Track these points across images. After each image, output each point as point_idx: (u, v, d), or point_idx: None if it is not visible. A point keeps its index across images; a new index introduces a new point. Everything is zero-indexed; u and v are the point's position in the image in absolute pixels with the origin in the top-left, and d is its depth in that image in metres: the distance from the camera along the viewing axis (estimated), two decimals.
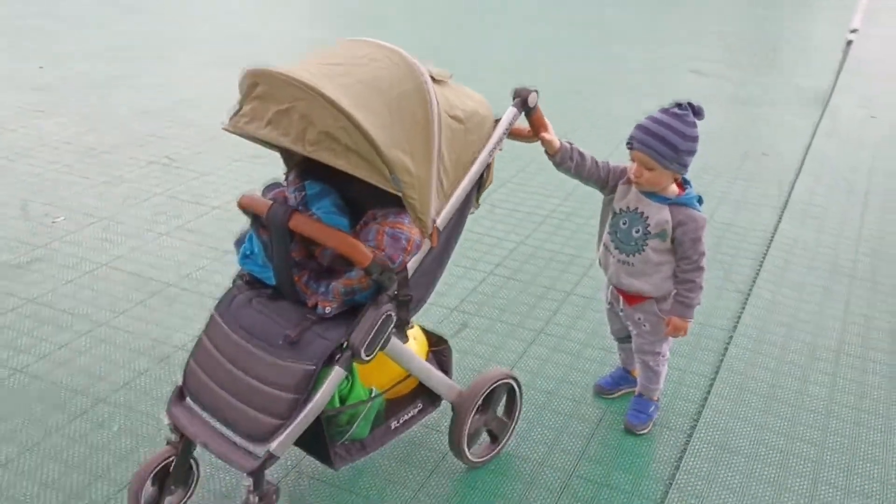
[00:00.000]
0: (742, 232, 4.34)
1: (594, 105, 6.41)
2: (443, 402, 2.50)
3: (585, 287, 3.76)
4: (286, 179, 2.35)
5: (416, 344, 2.42)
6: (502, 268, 3.94)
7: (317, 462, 2.57)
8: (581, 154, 2.52)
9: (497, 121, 2.31)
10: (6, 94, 6.39)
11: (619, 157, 2.66)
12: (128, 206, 4.49)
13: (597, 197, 2.72)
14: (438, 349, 2.53)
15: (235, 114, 2.08)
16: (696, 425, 2.87)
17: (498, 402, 2.64)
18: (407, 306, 2.17)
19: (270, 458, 2.05)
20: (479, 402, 2.50)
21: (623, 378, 3.03)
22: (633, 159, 2.47)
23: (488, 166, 2.30)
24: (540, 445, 2.76)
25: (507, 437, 2.71)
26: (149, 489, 2.29)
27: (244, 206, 2.19)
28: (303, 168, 2.32)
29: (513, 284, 3.80)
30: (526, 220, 4.43)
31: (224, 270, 3.74)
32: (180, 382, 2.28)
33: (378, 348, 2.13)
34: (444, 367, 2.51)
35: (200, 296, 3.59)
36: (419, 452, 2.69)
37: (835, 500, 2.56)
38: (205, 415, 2.21)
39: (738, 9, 10.91)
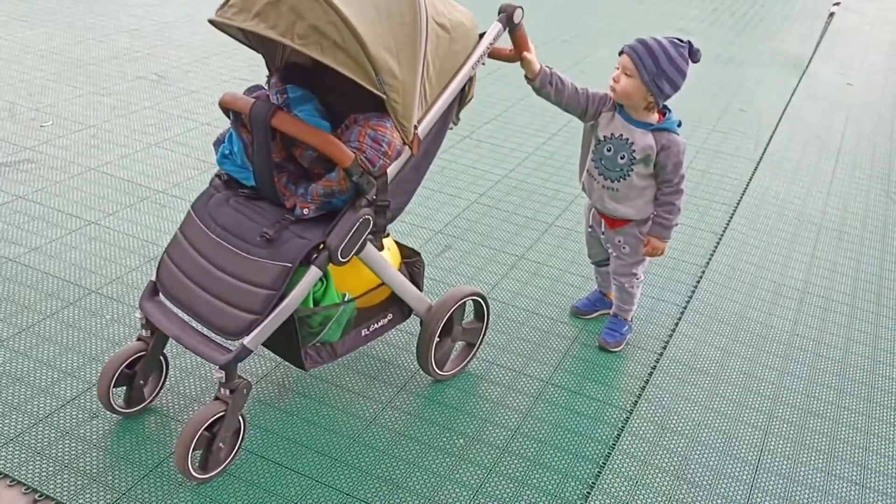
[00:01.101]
0: (717, 180, 4.48)
1: (581, 52, 6.49)
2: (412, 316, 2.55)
3: (566, 220, 3.88)
4: (268, 83, 2.34)
5: (389, 254, 2.45)
6: (486, 198, 4.04)
7: (288, 371, 2.66)
8: (561, 79, 2.58)
9: (482, 35, 2.33)
10: None
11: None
12: (116, 117, 4.49)
13: (580, 137, 2.80)
14: (411, 261, 2.55)
15: (224, 5, 2.05)
16: (665, 346, 3.02)
17: (460, 320, 2.66)
18: (384, 212, 2.20)
19: (243, 351, 2.07)
20: (447, 317, 2.54)
21: (599, 301, 3.17)
22: (617, 67, 2.55)
23: (470, 80, 2.32)
24: (518, 357, 2.89)
25: (477, 348, 2.78)
26: (118, 383, 2.31)
27: (226, 104, 2.17)
28: (285, 73, 2.32)
29: (496, 213, 3.90)
30: (510, 156, 4.52)
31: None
32: (154, 278, 2.29)
33: (354, 252, 2.16)
34: (416, 279, 2.54)
35: (189, 203, 3.60)
36: (389, 370, 2.75)
37: (792, 418, 2.73)
38: (178, 310, 2.22)
39: None
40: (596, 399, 2.72)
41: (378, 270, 2.34)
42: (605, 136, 2.65)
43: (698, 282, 3.47)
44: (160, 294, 2.27)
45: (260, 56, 2.35)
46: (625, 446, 2.53)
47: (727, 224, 4.00)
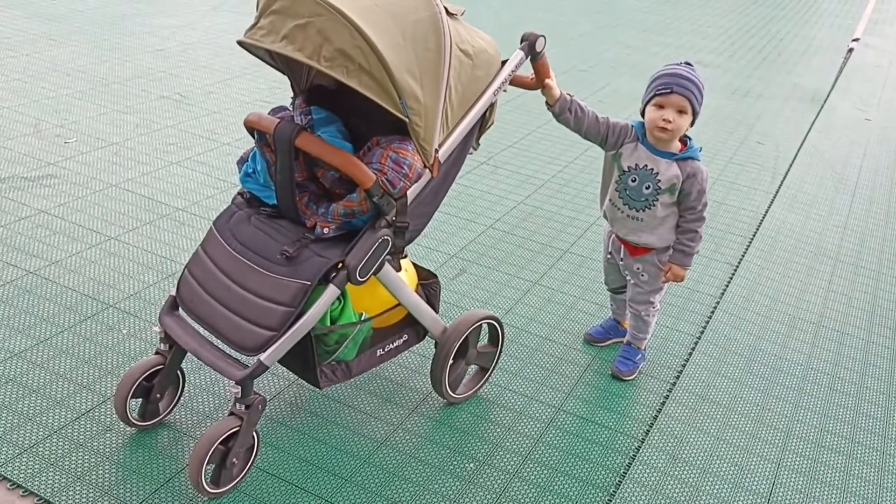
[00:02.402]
0: (734, 211, 4.48)
1: (598, 82, 6.54)
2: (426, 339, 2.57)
3: (581, 247, 3.89)
4: (293, 104, 2.38)
5: (406, 276, 2.45)
6: (502, 223, 4.06)
7: (301, 390, 2.68)
8: (581, 107, 2.61)
9: (504, 62, 2.37)
10: (20, 22, 6.42)
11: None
12: (138, 135, 4.56)
13: (596, 165, 2.82)
14: (427, 283, 2.56)
15: (252, 27, 2.09)
16: (679, 376, 3.02)
17: (475, 343, 2.68)
18: (403, 234, 2.22)
19: (260, 367, 2.08)
20: (462, 339, 2.56)
21: (613, 329, 3.17)
22: (661, 106, 2.55)
23: (492, 106, 2.36)
24: (531, 382, 2.89)
25: (490, 372, 2.79)
26: (134, 397, 2.33)
27: (251, 124, 2.21)
28: (309, 95, 2.37)
29: (511, 239, 3.91)
30: (526, 183, 4.54)
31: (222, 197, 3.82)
32: (174, 293, 2.31)
33: (372, 271, 2.18)
34: (432, 301, 2.55)
35: (208, 222, 3.68)
36: (401, 392, 2.77)
37: (805, 451, 2.71)
38: (196, 325, 2.24)
39: (744, 6, 11.04)
40: (608, 427, 2.71)
41: (395, 291, 2.35)
42: (629, 167, 2.66)
43: (713, 312, 3.46)
44: (180, 308, 2.30)
45: (282, 79, 2.40)
46: (636, 475, 2.52)
47: (742, 255, 3.99)
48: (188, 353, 2.27)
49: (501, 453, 2.54)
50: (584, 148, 4.96)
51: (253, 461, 2.28)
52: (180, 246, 3.48)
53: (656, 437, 2.69)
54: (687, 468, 2.57)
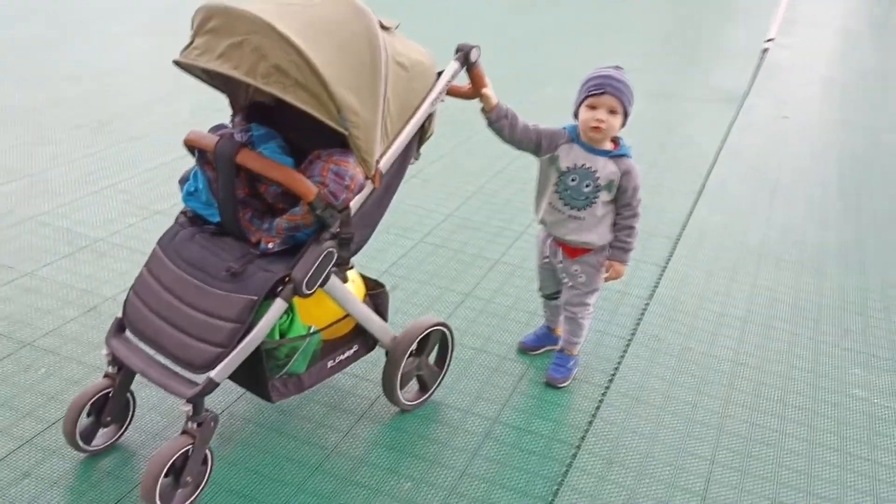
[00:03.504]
0: (659, 213, 4.55)
1: (528, 91, 6.60)
2: (376, 347, 2.60)
3: (512, 256, 3.90)
4: (232, 122, 2.39)
5: (353, 286, 2.48)
6: (432, 236, 4.05)
7: (249, 403, 2.66)
8: (515, 115, 2.66)
9: (440, 73, 2.41)
10: None
11: None
12: (55, 166, 4.43)
13: (524, 174, 2.84)
14: (375, 293, 2.60)
15: (187, 47, 2.11)
16: (612, 379, 3.04)
17: (430, 350, 2.75)
18: (348, 245, 2.24)
19: (210, 384, 2.09)
20: (413, 347, 2.61)
21: (546, 336, 3.18)
22: (593, 107, 2.61)
23: (430, 117, 2.39)
24: (466, 395, 2.88)
25: (437, 384, 2.82)
26: (84, 420, 2.32)
27: (191, 142, 2.22)
28: (248, 112, 2.38)
29: (442, 252, 3.91)
30: (455, 195, 4.54)
31: (154, 228, 3.71)
32: (120, 315, 2.30)
33: (319, 284, 2.20)
34: (381, 310, 2.58)
35: (130, 251, 3.59)
36: (349, 399, 2.78)
37: (737, 447, 2.76)
38: (144, 346, 2.24)
39: (663, 10, 11.32)
40: (544, 436, 2.72)
41: (343, 302, 2.37)
42: (568, 168, 2.70)
43: (643, 314, 3.51)
44: (126, 330, 2.29)
45: (204, 101, 2.40)
46: (573, 482, 2.52)
47: (669, 256, 4.06)
48: (137, 375, 2.27)
49: (438, 470, 2.52)
50: (511, 158, 4.98)
51: (207, 479, 2.26)
52: (101, 278, 3.37)
53: (592, 443, 2.70)
54: (623, 472, 2.59)
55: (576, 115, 2.70)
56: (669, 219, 4.50)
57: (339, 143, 2.16)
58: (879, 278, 4.03)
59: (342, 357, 2.47)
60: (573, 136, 2.71)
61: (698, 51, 8.92)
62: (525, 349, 3.17)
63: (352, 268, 2.39)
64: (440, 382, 2.84)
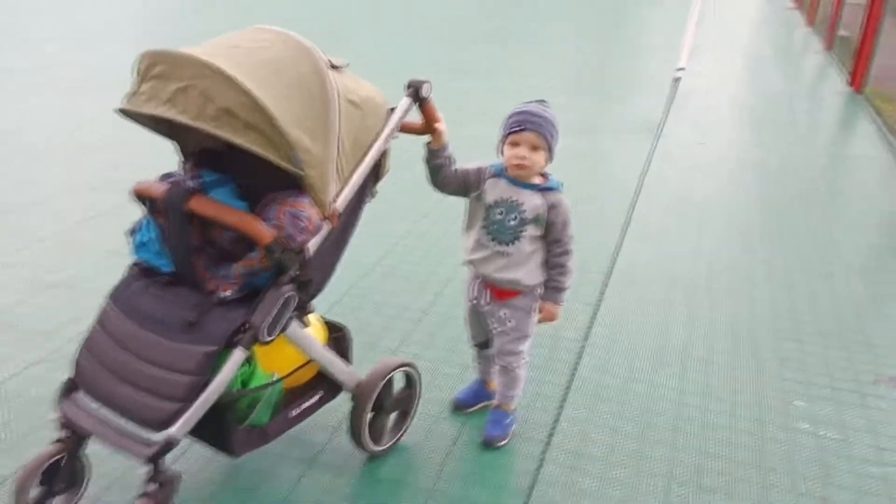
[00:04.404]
0: (585, 250, 4.42)
1: (452, 130, 6.50)
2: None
3: (442, 305, 3.72)
4: (182, 170, 2.34)
5: (315, 331, 2.42)
6: (357, 288, 3.84)
7: (197, 453, 2.48)
8: (453, 157, 2.60)
9: (392, 109, 2.39)
10: None
11: None
12: None
13: (449, 215, 2.69)
14: (337, 336, 2.54)
15: (133, 94, 2.07)
16: (552, 434, 2.86)
17: (390, 393, 2.67)
18: (307, 288, 2.18)
19: (170, 442, 2.00)
20: (378, 390, 2.54)
21: (480, 391, 2.99)
22: (516, 143, 2.52)
23: (385, 153, 2.37)
24: (397, 466, 2.66)
25: (411, 416, 2.78)
26: (34, 490, 2.19)
27: (140, 193, 2.18)
28: (198, 160, 2.34)
29: (367, 305, 3.70)
30: (382, 241, 4.35)
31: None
32: (71, 375, 2.21)
33: (279, 330, 2.13)
34: (344, 354, 2.53)
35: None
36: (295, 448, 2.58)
37: (687, 497, 2.60)
38: (97, 406, 2.14)
39: (574, 46, 11.46)
40: None
41: (305, 347, 2.32)
42: (494, 201, 2.59)
43: (578, 359, 3.36)
44: (77, 391, 2.20)
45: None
46: None
47: (601, 295, 3.94)
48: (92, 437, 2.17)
49: None
50: (436, 201, 4.84)
51: None
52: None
53: None
54: None
55: (501, 152, 2.60)
56: (598, 255, 4.39)
57: (294, 185, 2.11)
58: (808, 299, 3.98)
59: (306, 404, 2.40)
60: (499, 172, 2.61)
61: (612, 85, 9.00)
62: (459, 407, 2.97)
63: (312, 311, 2.32)
64: (410, 422, 2.78)
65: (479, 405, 2.98)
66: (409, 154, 2.79)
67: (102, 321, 2.23)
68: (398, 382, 2.73)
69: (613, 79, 9.26)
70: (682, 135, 6.98)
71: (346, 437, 2.62)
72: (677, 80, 9.11)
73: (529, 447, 2.80)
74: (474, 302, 2.79)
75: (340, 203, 2.20)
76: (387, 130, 2.34)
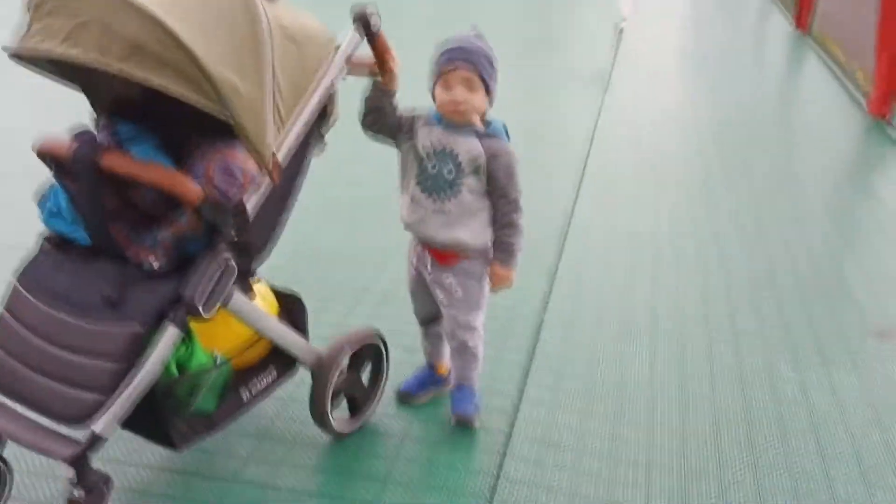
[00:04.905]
0: (539, 212, 4.01)
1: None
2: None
3: (383, 282, 3.31)
4: (96, 125, 2.03)
5: (264, 302, 2.16)
6: (282, 272, 3.40)
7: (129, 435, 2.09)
8: (397, 105, 2.28)
9: (338, 47, 2.07)
10: None
11: None
12: None
13: (384, 182, 2.30)
14: (290, 306, 2.27)
15: (25, 34, 1.78)
16: (514, 423, 2.50)
17: (363, 367, 2.43)
18: (249, 253, 1.94)
19: (95, 440, 1.76)
20: (341, 366, 2.28)
21: (429, 378, 2.62)
22: (448, 85, 2.17)
23: (332, 98, 2.07)
24: (335, 476, 2.26)
25: (373, 405, 2.48)
26: None
27: (43, 152, 1.88)
28: (113, 112, 2.04)
29: (297, 288, 3.27)
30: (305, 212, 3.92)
31: None
32: None
33: (218, 303, 1.87)
34: (299, 326, 2.25)
35: None
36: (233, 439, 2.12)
37: (671, 485, 2.27)
38: (11, 404, 1.88)
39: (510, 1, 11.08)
40: None
41: (252, 322, 2.06)
42: (427, 153, 2.25)
43: (539, 332, 2.99)
44: None
45: None
46: None
47: (558, 260, 3.57)
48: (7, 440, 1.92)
49: None
50: (376, 162, 4.43)
51: None
52: None
53: None
54: None
55: (433, 96, 2.23)
56: (551, 218, 4.01)
57: (224, 133, 1.82)
58: (783, 249, 3.69)
59: (260, 386, 2.15)
60: (436, 118, 2.26)
61: (557, 36, 8.63)
62: (406, 399, 2.59)
63: (258, 280, 2.05)
64: (377, 402, 2.48)
65: (430, 394, 2.60)
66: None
67: (10, 306, 1.96)
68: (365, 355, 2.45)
69: (556, 30, 8.89)
70: (628, 87, 6.63)
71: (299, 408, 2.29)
72: (621, 31, 8.77)
73: (488, 439, 2.42)
74: (417, 270, 2.42)
75: (282, 154, 1.91)
76: (332, 71, 2.03)
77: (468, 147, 2.19)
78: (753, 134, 5.46)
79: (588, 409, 2.58)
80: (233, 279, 1.89)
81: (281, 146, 1.91)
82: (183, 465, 2.22)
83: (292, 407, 2.45)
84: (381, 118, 2.26)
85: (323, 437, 2.36)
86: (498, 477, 2.27)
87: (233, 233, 1.87)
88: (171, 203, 1.88)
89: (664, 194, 4.39)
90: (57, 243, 2.02)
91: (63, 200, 1.98)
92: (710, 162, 4.87)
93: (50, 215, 2.01)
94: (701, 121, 5.72)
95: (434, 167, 2.23)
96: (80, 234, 1.98)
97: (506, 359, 2.82)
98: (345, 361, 2.31)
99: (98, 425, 1.76)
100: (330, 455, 2.33)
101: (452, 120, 2.20)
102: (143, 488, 2.15)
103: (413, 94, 2.31)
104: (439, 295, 2.39)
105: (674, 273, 3.50)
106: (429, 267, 2.36)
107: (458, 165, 2.20)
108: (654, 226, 3.98)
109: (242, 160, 1.92)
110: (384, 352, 2.48)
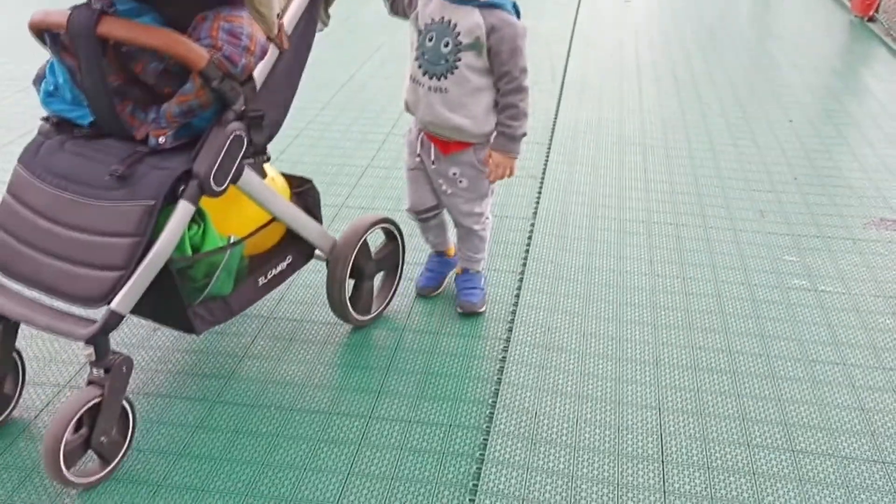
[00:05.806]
0: None
1: None
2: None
3: (382, 159, 3.13)
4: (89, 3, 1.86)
5: (275, 185, 2.04)
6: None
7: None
8: None
9: None
10: None
11: None
12: None
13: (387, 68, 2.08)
14: (303, 190, 2.15)
15: None
16: (511, 327, 2.35)
17: (368, 254, 2.30)
18: (259, 126, 1.81)
19: (112, 318, 1.68)
20: (357, 251, 2.20)
21: (443, 264, 2.52)
22: None
23: None
24: (326, 391, 2.10)
25: (391, 294, 2.41)
26: None
27: (36, 25, 1.76)
28: None
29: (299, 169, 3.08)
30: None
31: None
32: None
33: (230, 179, 1.78)
34: (313, 211, 2.15)
35: None
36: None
37: (684, 383, 2.14)
38: (22, 289, 1.81)
39: None
40: (439, 424, 1.99)
41: (265, 202, 1.95)
42: (425, 24, 2.09)
43: (530, 238, 2.83)
44: None
45: None
46: (488, 483, 1.82)
47: (545, 165, 3.40)
48: (21, 325, 1.85)
49: (310, 491, 1.76)
50: (375, 47, 4.21)
51: (130, 440, 1.83)
52: None
53: (504, 423, 2.00)
54: (554, 450, 1.91)
55: None
56: (536, 122, 3.81)
57: (227, 6, 1.74)
58: (777, 146, 3.55)
59: (276, 271, 2.07)
60: None
61: None
62: (425, 292, 2.49)
63: (268, 160, 1.92)
64: (394, 293, 2.42)
65: (447, 281, 2.52)
66: None
67: (13, 191, 1.86)
68: (377, 240, 2.36)
69: None
70: None
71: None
72: None
73: (486, 345, 2.28)
74: (418, 159, 2.27)
75: (288, 20, 1.80)
76: None
77: (468, 18, 2.01)
78: (739, 39, 5.28)
79: (586, 311, 2.44)
80: (242, 151, 1.79)
81: (285, 12, 1.81)
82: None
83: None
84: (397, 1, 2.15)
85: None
86: (499, 383, 2.13)
87: (242, 103, 1.76)
88: (176, 76, 1.78)
89: (648, 95, 4.22)
90: (56, 124, 1.90)
91: (61, 77, 1.86)
92: (696, 68, 4.69)
93: (46, 95, 1.89)
94: (681, 25, 5.53)
95: (431, 39, 2.06)
96: (81, 114, 1.86)
97: (500, 267, 2.67)
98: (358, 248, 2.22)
99: (116, 303, 1.68)
100: (323, 366, 2.18)
101: None
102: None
103: None
104: (442, 185, 2.25)
105: (666, 173, 3.35)
106: (432, 156, 2.20)
107: (456, 38, 2.02)
108: (640, 127, 3.82)
109: (248, 24, 1.78)
110: (398, 238, 2.38)
